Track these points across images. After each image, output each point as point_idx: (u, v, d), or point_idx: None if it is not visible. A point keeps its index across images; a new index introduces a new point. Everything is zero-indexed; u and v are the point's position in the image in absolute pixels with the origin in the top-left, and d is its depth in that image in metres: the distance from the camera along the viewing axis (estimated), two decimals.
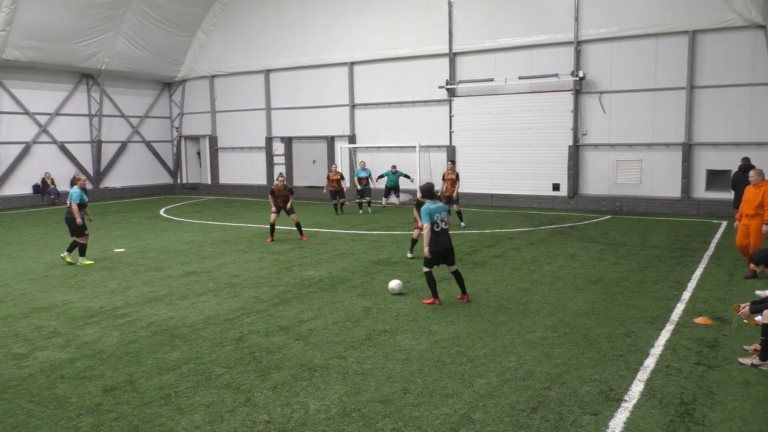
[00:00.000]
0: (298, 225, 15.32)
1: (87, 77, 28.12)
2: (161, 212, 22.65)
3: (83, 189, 13.13)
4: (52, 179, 26.69)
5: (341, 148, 25.97)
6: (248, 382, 6.24)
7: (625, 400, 5.65)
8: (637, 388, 5.91)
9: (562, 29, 21.17)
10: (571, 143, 21.39)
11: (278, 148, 28.94)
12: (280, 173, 16.15)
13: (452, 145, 23.80)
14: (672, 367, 6.44)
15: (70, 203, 12.62)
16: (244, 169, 30.17)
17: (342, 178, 21.30)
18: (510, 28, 22.09)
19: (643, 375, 6.24)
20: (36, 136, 26.43)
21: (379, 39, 25.08)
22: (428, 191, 8.97)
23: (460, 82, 23.31)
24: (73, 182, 15.45)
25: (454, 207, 16.91)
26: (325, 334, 7.76)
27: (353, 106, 26.34)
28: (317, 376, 6.36)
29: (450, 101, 23.62)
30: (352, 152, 26.29)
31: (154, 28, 27.88)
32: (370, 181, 21.69)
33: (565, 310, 8.67)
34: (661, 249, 13.35)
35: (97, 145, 28.55)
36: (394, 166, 22.57)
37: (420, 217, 9.16)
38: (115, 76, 28.79)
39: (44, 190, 26.31)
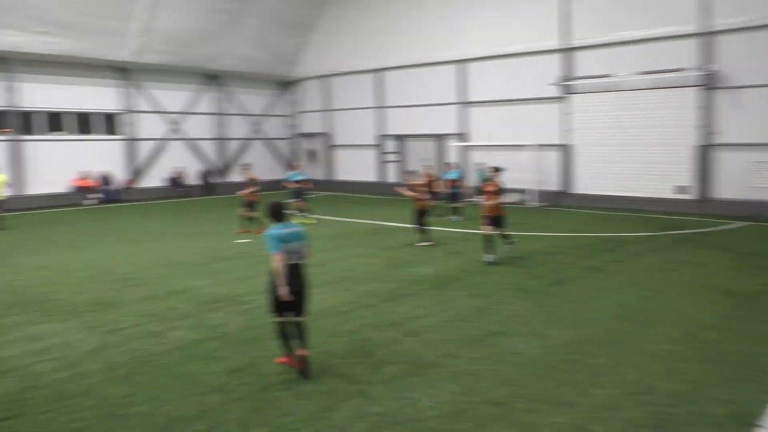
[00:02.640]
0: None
1: (213, 78, 30.01)
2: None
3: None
4: (183, 173, 28.74)
5: (452, 146, 25.88)
6: (361, 374, 6.40)
7: (763, 427, 5.20)
8: None
9: (688, 20, 19.77)
10: (696, 142, 19.95)
11: (390, 146, 29.35)
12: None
13: (567, 143, 23.00)
14: None
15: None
16: (358, 166, 30.87)
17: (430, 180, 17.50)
18: (631, 20, 20.98)
19: None
20: (169, 133, 28.57)
21: (490, 36, 24.73)
22: (275, 210, 6.66)
23: (576, 78, 22.45)
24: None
25: (497, 231, 12.19)
26: (437, 331, 7.79)
27: (464, 105, 26.17)
28: (428, 373, 6.40)
29: (564, 98, 22.82)
30: (463, 151, 26.11)
31: (274, 30, 29.26)
32: (460, 183, 19.65)
33: (692, 322, 8.12)
34: None
35: (222, 142, 30.41)
36: (481, 163, 22.00)
37: None
38: (238, 77, 30.53)
39: (176, 183, 28.40)
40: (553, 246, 13.99)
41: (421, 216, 14.41)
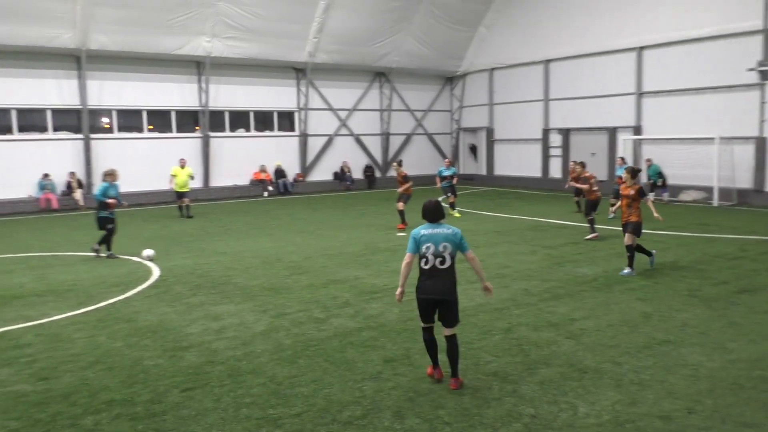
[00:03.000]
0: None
1: (379, 75, 31.01)
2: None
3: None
4: (349, 168, 30.11)
5: (624, 140, 24.26)
6: (515, 373, 6.24)
7: None
8: None
9: None
10: None
11: (555, 140, 28.27)
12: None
13: (763, 136, 20.48)
14: None
15: None
16: (520, 161, 30.14)
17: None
18: None
19: None
20: (337, 129, 30.08)
21: (674, 20, 22.74)
22: (426, 209, 6.19)
23: None
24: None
25: (626, 238, 10.58)
26: (598, 335, 7.36)
27: (640, 95, 24.37)
28: (588, 378, 6.07)
29: (762, 86, 20.29)
30: (637, 144, 24.37)
31: (440, 26, 29.44)
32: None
33: None
34: None
35: (385, 137, 31.36)
36: (648, 159, 20.18)
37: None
38: (403, 73, 31.19)
39: (342, 177, 29.84)
40: (740, 250, 12.56)
41: (593, 208, 14.54)
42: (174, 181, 19.90)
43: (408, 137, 32.53)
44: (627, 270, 10.51)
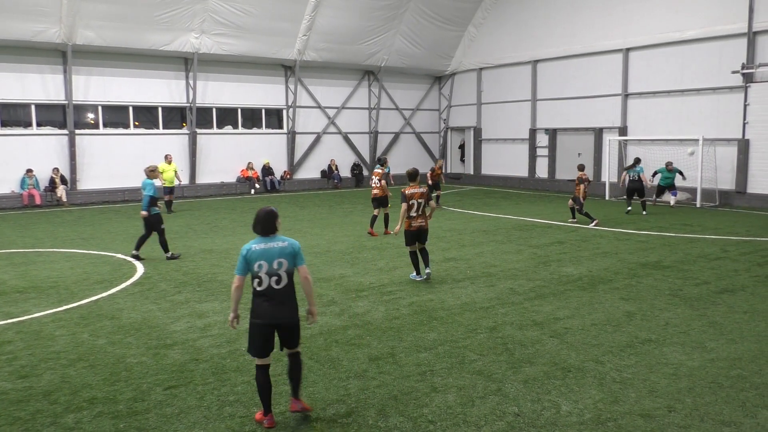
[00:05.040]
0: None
1: (368, 74, 30.99)
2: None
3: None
4: (336, 165, 30.08)
5: (610, 140, 24.45)
6: (500, 372, 6.28)
7: None
8: None
9: None
10: None
11: (542, 140, 28.43)
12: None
13: (745, 138, 20.73)
14: None
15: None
16: (506, 161, 30.27)
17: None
18: None
19: None
20: (325, 127, 30.02)
21: (659, 22, 22.94)
22: (257, 220, 5.36)
23: (761, 65, 20.11)
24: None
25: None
26: (582, 334, 7.42)
27: (626, 96, 24.57)
28: (571, 377, 6.12)
29: (746, 88, 20.54)
30: (622, 145, 24.57)
31: (429, 25, 29.47)
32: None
33: None
34: None
35: (374, 135, 31.36)
36: (669, 163, 20.36)
37: None
38: (392, 71, 31.18)
39: (329, 175, 29.80)
40: (721, 251, 12.71)
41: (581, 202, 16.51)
42: (162, 178, 19.85)
43: (396, 136, 32.55)
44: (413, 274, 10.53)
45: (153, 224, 12.23)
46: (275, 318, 5.20)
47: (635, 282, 10.05)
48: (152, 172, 12.58)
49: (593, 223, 16.21)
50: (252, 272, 5.21)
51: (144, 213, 12.09)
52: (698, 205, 20.63)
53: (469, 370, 6.33)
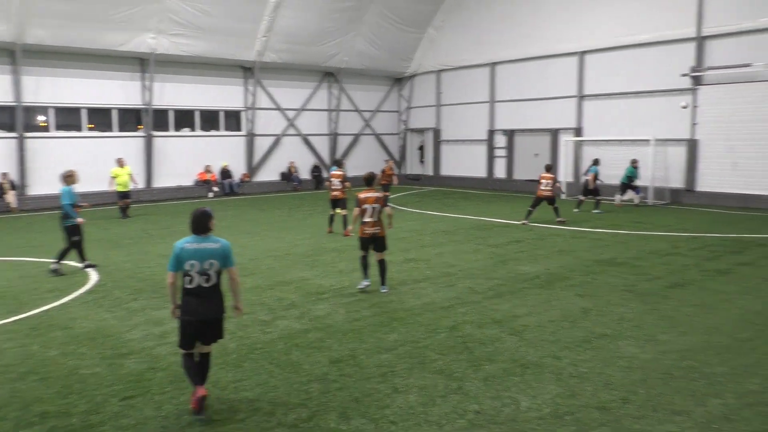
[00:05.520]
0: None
1: (328, 75, 30.90)
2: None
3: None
4: (296, 168, 29.90)
5: (566, 141, 24.96)
6: (460, 370, 6.34)
7: None
8: None
9: None
10: None
11: (500, 141, 28.83)
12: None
13: (694, 138, 21.43)
14: None
15: None
16: (465, 162, 30.59)
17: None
18: None
19: None
20: (285, 129, 29.81)
21: (613, 26, 23.57)
22: (193, 219, 5.58)
23: (709, 68, 20.83)
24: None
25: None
26: (540, 331, 7.56)
27: (581, 98, 25.12)
28: (530, 373, 6.23)
29: (695, 90, 21.24)
30: (578, 146, 25.11)
31: (389, 26, 29.59)
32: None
33: None
34: None
35: (333, 137, 31.29)
36: (634, 161, 20.75)
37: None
38: (352, 73, 31.18)
39: (289, 177, 29.60)
40: (672, 247, 13.12)
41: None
42: (115, 182, 19.38)
43: (356, 137, 32.55)
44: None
45: (69, 233, 11.42)
46: (203, 315, 5.49)
47: (591, 279, 10.29)
48: (68, 178, 11.60)
49: (559, 221, 16.64)
50: (183, 270, 5.45)
51: (80, 220, 11.47)
52: (650, 203, 21.23)
53: (430, 370, 6.37)
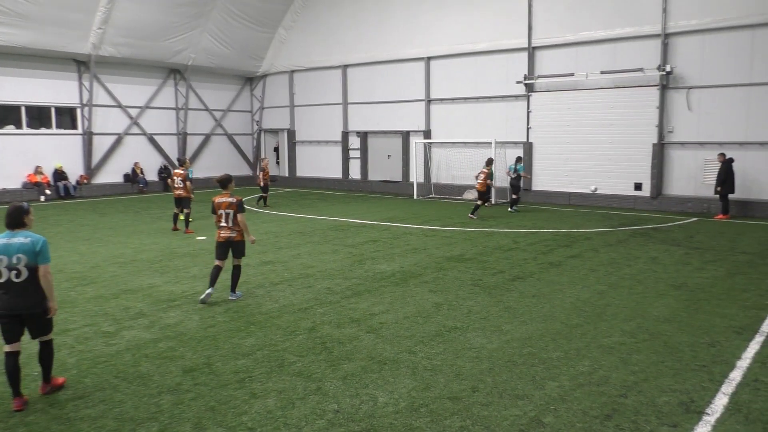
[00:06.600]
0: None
1: (175, 72, 29.45)
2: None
3: None
4: (141, 169, 28.15)
5: (416, 143, 25.98)
6: (319, 371, 6.36)
7: (707, 414, 5.37)
8: (720, 402, 5.60)
9: (648, 21, 20.23)
10: (655, 141, 20.46)
11: (354, 142, 29.30)
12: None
13: (529, 141, 23.31)
14: (761, 381, 6.05)
15: None
16: (321, 163, 30.73)
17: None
18: (593, 20, 21.36)
19: (727, 388, 5.90)
20: (127, 128, 27.93)
21: (456, 34, 24.91)
22: (7, 215, 5.74)
23: (539, 77, 22.78)
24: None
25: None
26: (396, 328, 7.80)
27: (429, 102, 26.28)
28: (387, 369, 6.40)
29: (528, 96, 23.12)
30: (427, 147, 26.24)
31: (238, 25, 28.83)
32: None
33: (645, 315, 8.32)
34: (752, 255, 12.57)
35: (182, 137, 29.88)
36: (519, 158, 21.10)
37: None
38: (200, 71, 29.99)
39: (134, 179, 27.79)
40: (513, 242, 14.17)
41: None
42: None
43: (207, 137, 31.35)
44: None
45: None
46: (13, 309, 5.54)
47: (442, 275, 10.81)
48: None
49: (473, 214, 18.23)
50: None
51: None
52: (493, 202, 22.76)
53: (288, 372, 6.32)
